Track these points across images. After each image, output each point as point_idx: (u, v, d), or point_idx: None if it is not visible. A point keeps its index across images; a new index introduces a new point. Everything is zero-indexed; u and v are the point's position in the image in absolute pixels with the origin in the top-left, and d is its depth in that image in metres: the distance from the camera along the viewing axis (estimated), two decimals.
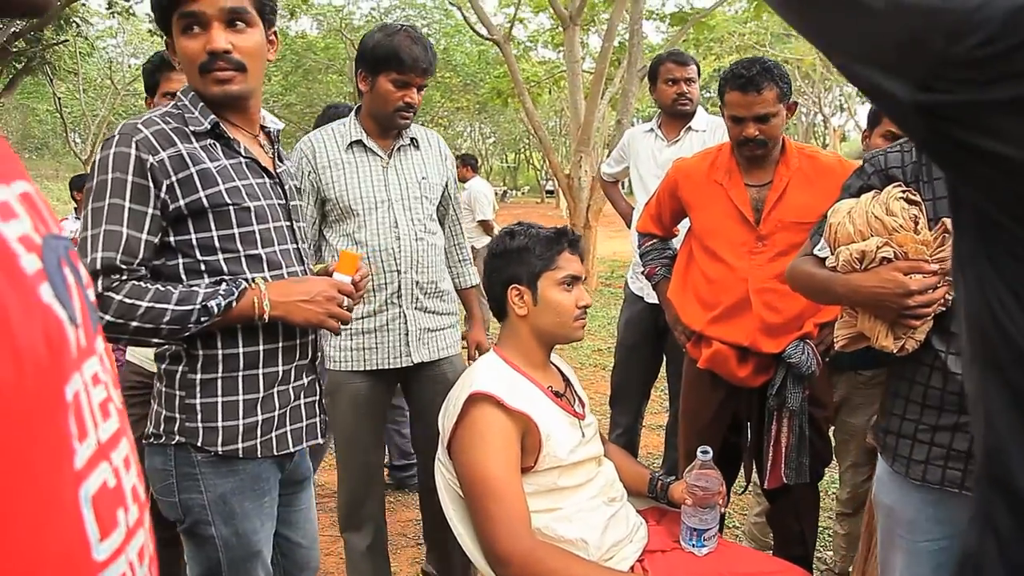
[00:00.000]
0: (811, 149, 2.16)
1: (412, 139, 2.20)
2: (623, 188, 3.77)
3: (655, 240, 2.43)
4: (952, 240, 0.62)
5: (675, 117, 3.05)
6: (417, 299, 2.14)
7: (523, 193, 34.39)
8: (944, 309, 1.39)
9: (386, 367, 2.15)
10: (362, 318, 2.11)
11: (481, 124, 31.46)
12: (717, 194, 2.14)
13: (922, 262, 1.36)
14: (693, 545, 1.72)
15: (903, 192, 1.41)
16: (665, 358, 3.09)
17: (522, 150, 30.03)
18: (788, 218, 2.03)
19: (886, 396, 1.55)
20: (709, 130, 2.99)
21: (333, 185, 2.10)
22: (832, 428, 2.31)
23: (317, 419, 1.67)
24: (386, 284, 2.11)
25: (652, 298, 2.93)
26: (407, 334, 2.13)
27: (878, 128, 2.24)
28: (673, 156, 2.82)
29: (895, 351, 1.42)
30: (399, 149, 2.17)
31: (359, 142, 2.14)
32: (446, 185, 2.30)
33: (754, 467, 2.23)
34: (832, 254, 1.49)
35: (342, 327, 1.59)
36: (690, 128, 3.01)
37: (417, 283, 2.14)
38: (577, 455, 1.64)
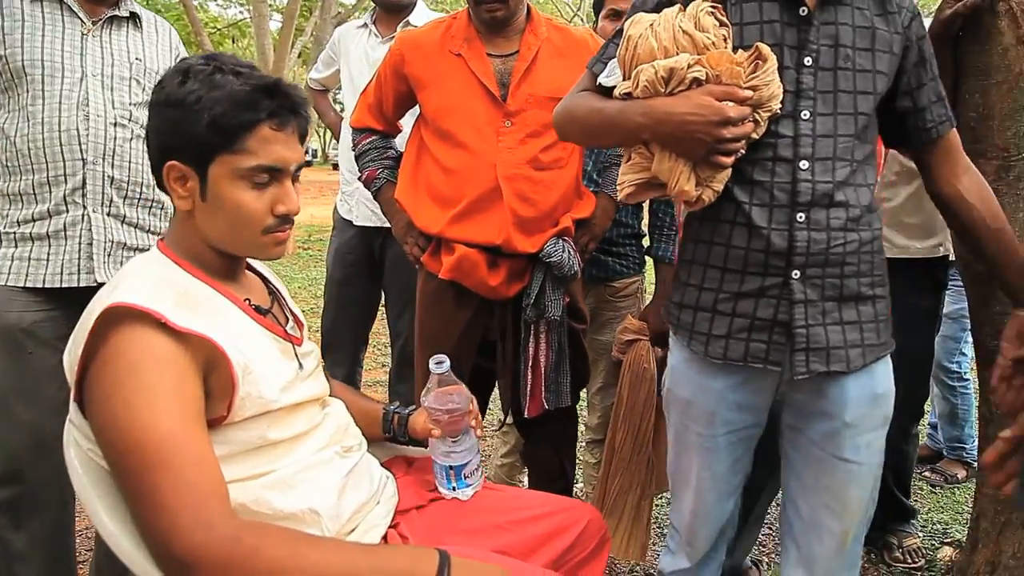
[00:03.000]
0: (560, 22, 1.86)
1: (133, 14, 1.77)
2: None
3: (375, 136, 1.94)
4: None
5: (390, 11, 2.62)
6: (111, 201, 1.66)
7: None
8: (743, 152, 1.16)
9: (58, 285, 1.62)
10: (31, 220, 1.62)
11: None
12: (454, 66, 1.73)
13: (736, 87, 1.10)
14: (454, 488, 1.33)
15: (712, 8, 1.14)
16: (384, 295, 2.65)
17: None
18: (540, 92, 1.70)
19: (680, 266, 1.32)
20: None
21: (4, 40, 1.61)
22: None
23: None
24: (66, 176, 1.62)
25: (362, 220, 2.53)
26: (91, 244, 1.64)
27: (603, 11, 2.14)
28: None
29: (694, 199, 1.17)
30: (112, 20, 1.72)
31: None
32: None
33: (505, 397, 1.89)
34: (628, 77, 1.16)
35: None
36: (408, 23, 2.58)
37: (112, 179, 1.66)
38: (294, 395, 1.11)
